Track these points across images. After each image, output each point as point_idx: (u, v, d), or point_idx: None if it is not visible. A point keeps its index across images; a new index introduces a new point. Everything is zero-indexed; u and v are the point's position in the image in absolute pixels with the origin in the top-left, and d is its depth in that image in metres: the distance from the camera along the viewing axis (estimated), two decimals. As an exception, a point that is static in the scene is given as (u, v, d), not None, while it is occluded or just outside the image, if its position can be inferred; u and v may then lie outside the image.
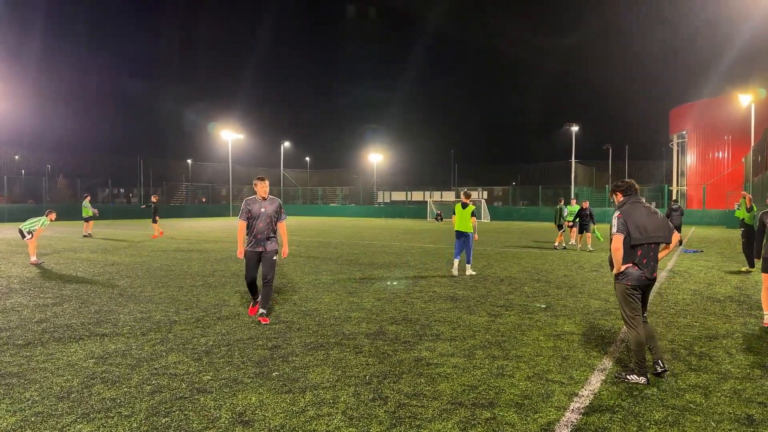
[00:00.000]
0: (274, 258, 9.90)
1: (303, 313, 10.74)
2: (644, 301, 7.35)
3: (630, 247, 7.03)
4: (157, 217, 30.16)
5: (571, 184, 68.36)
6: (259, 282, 11.55)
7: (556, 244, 24.86)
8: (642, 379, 7.06)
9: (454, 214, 16.34)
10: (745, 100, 50.84)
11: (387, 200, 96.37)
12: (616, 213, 7.09)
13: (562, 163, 78.22)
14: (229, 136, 79.42)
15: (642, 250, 7.04)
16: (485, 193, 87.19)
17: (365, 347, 8.49)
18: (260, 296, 10.04)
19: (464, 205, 16.11)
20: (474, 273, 16.29)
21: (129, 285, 13.90)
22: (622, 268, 7.08)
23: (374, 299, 12.05)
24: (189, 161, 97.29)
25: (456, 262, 16.05)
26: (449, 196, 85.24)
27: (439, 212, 60.29)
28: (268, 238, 9.84)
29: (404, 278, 14.79)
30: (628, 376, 7.14)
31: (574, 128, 69.07)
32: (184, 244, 26.24)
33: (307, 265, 17.59)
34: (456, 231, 16.17)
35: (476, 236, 16.45)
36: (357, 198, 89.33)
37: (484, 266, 17.72)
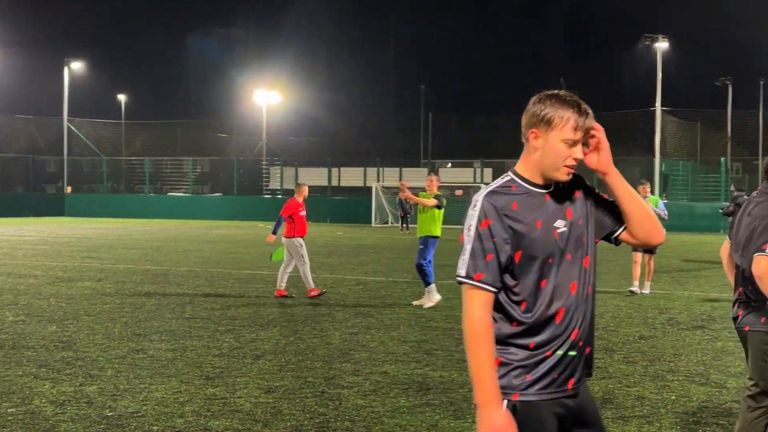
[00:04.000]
0: None
1: (108, 423, 6.52)
2: None
3: None
4: None
5: (654, 155, 46.54)
6: None
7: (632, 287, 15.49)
8: None
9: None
10: None
11: (291, 186, 57.90)
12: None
13: (636, 115, 55.23)
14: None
15: None
16: (487, 174, 55.41)
17: None
18: None
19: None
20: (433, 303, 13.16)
21: None
22: None
23: (257, 389, 7.76)
24: None
25: None
26: (418, 177, 51.50)
27: (404, 201, 34.72)
28: (587, 338, 3.27)
29: (324, 345, 10.43)
30: None
31: (661, 45, 46.10)
32: None
33: (120, 320, 11.61)
34: None
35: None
36: (227, 182, 60.06)
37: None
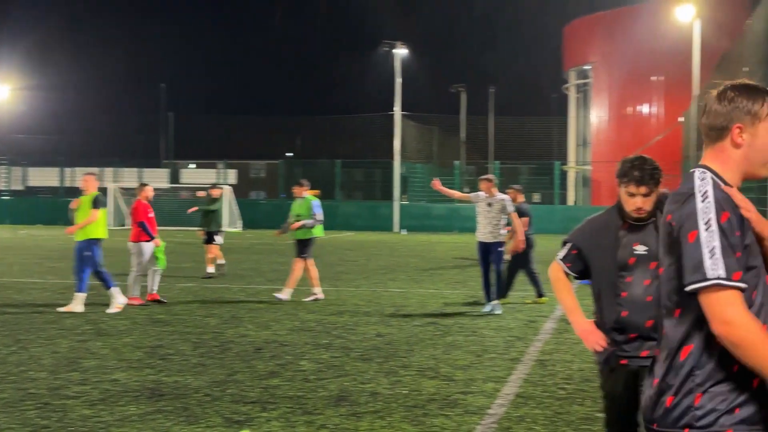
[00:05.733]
0: None
1: None
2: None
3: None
4: None
5: (393, 158, 47.69)
6: None
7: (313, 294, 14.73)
8: None
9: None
10: (684, 14, 35.30)
11: (17, 186, 58.62)
12: None
13: (377, 119, 55.82)
14: None
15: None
16: (231, 176, 59.65)
17: None
18: None
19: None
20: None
21: None
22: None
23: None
24: None
25: None
26: (159, 178, 54.78)
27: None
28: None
29: (50, 354, 9.86)
30: None
31: (400, 52, 47.98)
32: None
33: None
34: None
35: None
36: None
37: (227, 317, 12.41)
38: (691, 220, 2.59)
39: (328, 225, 44.13)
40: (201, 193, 20.13)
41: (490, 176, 13.19)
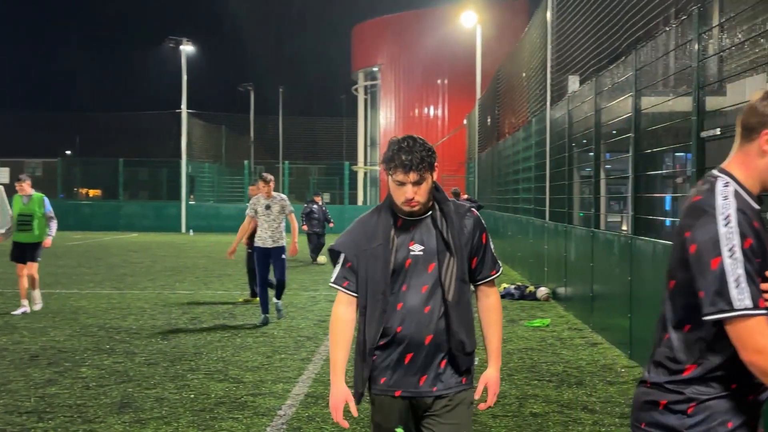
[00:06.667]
0: None
1: None
2: None
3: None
4: None
5: (181, 157, 46.09)
6: None
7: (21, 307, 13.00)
8: None
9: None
10: (468, 20, 35.34)
11: None
12: None
13: (163, 117, 54.98)
14: None
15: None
16: (3, 174, 52.46)
17: None
18: None
19: None
20: None
21: None
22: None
23: None
24: None
25: None
26: None
27: None
28: None
29: None
30: None
31: (186, 48, 46.90)
32: None
33: None
34: None
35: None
36: None
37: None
38: (714, 245, 2.49)
39: (111, 226, 43.21)
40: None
41: (266, 176, 12.06)
